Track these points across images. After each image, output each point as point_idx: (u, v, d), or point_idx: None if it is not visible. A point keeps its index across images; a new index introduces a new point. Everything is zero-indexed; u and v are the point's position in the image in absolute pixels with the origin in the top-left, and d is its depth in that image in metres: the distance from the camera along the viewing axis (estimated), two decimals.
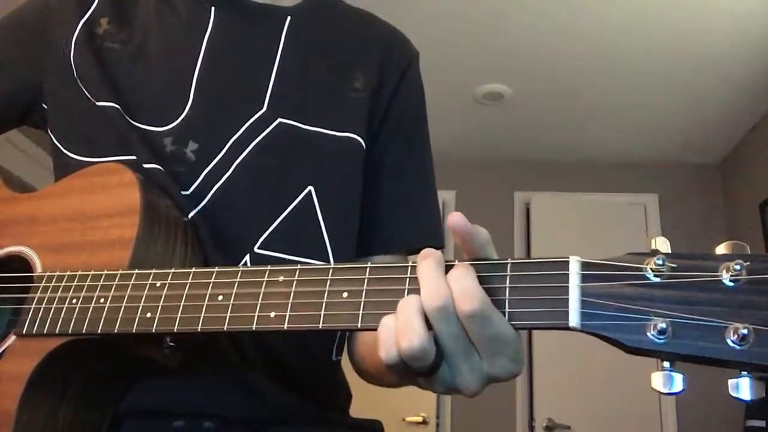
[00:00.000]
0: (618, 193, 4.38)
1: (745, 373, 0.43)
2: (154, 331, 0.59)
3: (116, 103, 0.79)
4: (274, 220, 0.78)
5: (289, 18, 0.88)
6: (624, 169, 4.43)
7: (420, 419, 3.87)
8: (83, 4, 0.86)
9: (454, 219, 0.52)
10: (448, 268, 0.51)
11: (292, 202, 0.80)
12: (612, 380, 3.60)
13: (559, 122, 4.05)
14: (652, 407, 3.86)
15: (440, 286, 0.50)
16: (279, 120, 0.81)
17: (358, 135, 0.85)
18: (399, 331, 0.49)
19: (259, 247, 0.77)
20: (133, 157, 0.77)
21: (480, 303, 0.48)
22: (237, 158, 0.78)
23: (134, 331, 0.60)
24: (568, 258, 0.49)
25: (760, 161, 3.86)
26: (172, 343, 0.66)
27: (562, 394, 3.89)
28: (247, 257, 0.76)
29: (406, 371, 0.51)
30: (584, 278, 0.48)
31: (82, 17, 0.85)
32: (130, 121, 0.79)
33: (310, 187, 0.81)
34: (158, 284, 0.61)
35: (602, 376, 3.67)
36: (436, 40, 3.27)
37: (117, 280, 0.63)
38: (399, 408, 3.74)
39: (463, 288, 0.49)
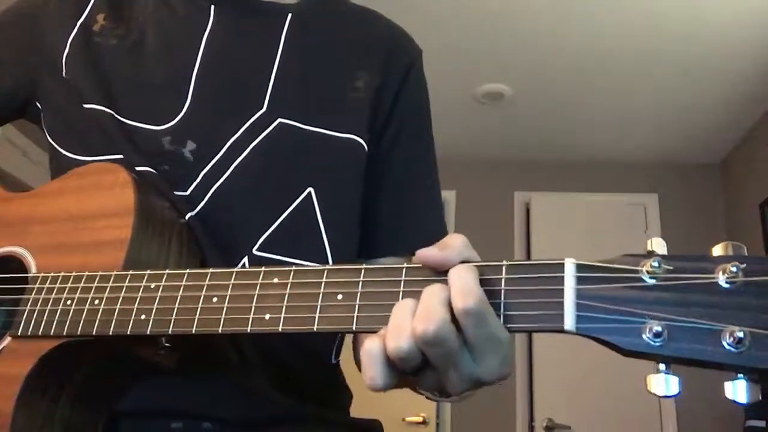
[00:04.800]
0: (618, 193, 4.37)
1: (742, 375, 0.42)
2: (148, 333, 0.59)
3: (108, 105, 0.78)
4: (273, 222, 0.77)
5: (289, 16, 0.86)
6: (624, 169, 4.43)
7: (420, 419, 3.87)
8: (81, 3, 0.85)
9: (423, 257, 0.52)
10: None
11: (292, 203, 0.78)
12: (612, 380, 3.59)
13: (559, 122, 4.05)
14: (652, 406, 3.86)
15: (437, 311, 0.48)
16: (279, 120, 0.80)
17: (359, 136, 0.83)
18: (389, 333, 0.49)
19: (257, 249, 0.76)
20: (127, 157, 0.76)
21: (476, 301, 0.48)
22: (236, 159, 0.77)
23: (129, 333, 0.59)
24: (564, 260, 0.48)
25: (760, 161, 3.86)
26: (167, 344, 0.65)
27: (562, 394, 3.89)
28: (246, 259, 0.76)
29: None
30: (579, 280, 0.47)
31: (80, 17, 0.84)
32: (125, 120, 0.78)
33: (310, 189, 0.79)
34: (152, 286, 0.60)
35: (602, 376, 3.66)
36: (436, 40, 3.26)
37: (111, 281, 0.62)
38: (399, 408, 3.74)
39: (462, 284, 0.49)
